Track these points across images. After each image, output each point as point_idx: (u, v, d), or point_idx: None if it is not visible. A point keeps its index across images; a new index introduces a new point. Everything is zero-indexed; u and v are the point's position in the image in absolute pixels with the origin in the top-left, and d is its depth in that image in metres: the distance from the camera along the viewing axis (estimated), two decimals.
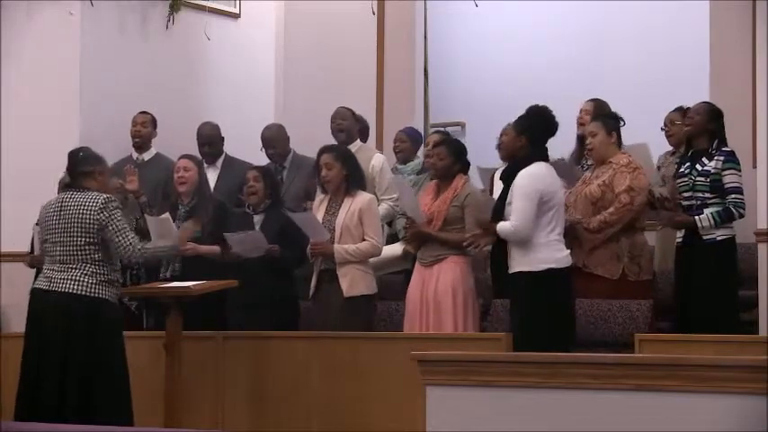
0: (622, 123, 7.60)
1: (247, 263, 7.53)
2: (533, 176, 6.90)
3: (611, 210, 7.24)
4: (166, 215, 7.55)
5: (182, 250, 7.52)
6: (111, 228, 6.58)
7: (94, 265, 6.57)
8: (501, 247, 7.09)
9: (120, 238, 6.59)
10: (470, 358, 5.01)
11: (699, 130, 7.35)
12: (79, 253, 6.56)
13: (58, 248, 6.60)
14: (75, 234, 6.56)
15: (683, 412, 4.40)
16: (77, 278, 6.53)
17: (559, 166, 7.53)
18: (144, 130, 9.11)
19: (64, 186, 6.84)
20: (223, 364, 7.36)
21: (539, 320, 6.76)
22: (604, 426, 4.51)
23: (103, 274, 6.59)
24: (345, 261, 7.40)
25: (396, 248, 8.00)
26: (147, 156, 9.14)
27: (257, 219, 7.80)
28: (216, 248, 7.68)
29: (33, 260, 8.47)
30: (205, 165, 8.99)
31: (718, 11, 9.05)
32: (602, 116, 7.76)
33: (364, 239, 7.45)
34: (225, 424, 7.20)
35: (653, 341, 6.48)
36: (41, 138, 9.16)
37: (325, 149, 7.72)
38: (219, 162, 9.10)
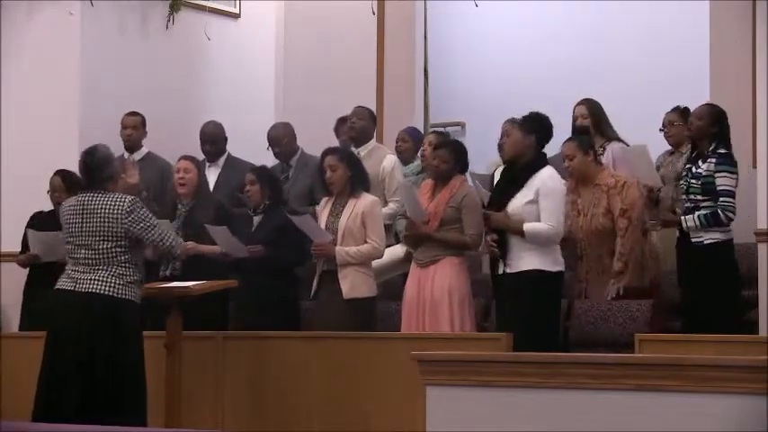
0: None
1: (247, 264, 7.56)
2: (557, 179, 7.04)
3: (619, 244, 7.18)
4: (166, 221, 7.58)
5: (182, 251, 7.53)
6: (141, 228, 6.56)
7: (121, 266, 6.55)
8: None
9: (157, 235, 6.63)
10: (470, 358, 5.01)
11: (700, 135, 7.33)
12: (106, 256, 6.54)
13: (83, 251, 6.56)
14: (101, 238, 6.53)
15: (683, 412, 4.40)
16: (104, 279, 6.51)
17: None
18: (135, 133, 9.05)
19: (82, 188, 6.78)
20: (223, 364, 7.35)
21: (541, 319, 6.82)
22: (604, 426, 4.52)
23: (129, 276, 6.57)
24: (346, 263, 7.41)
25: (397, 251, 7.98)
26: (137, 155, 9.03)
27: (256, 219, 7.82)
28: (216, 248, 7.70)
29: (29, 258, 8.46)
30: (207, 164, 9.01)
31: (718, 11, 9.04)
32: (576, 135, 7.71)
33: (366, 242, 7.45)
34: (225, 424, 7.20)
35: (653, 341, 6.47)
36: (41, 138, 9.15)
37: (328, 151, 7.72)
38: (221, 161, 9.08)
